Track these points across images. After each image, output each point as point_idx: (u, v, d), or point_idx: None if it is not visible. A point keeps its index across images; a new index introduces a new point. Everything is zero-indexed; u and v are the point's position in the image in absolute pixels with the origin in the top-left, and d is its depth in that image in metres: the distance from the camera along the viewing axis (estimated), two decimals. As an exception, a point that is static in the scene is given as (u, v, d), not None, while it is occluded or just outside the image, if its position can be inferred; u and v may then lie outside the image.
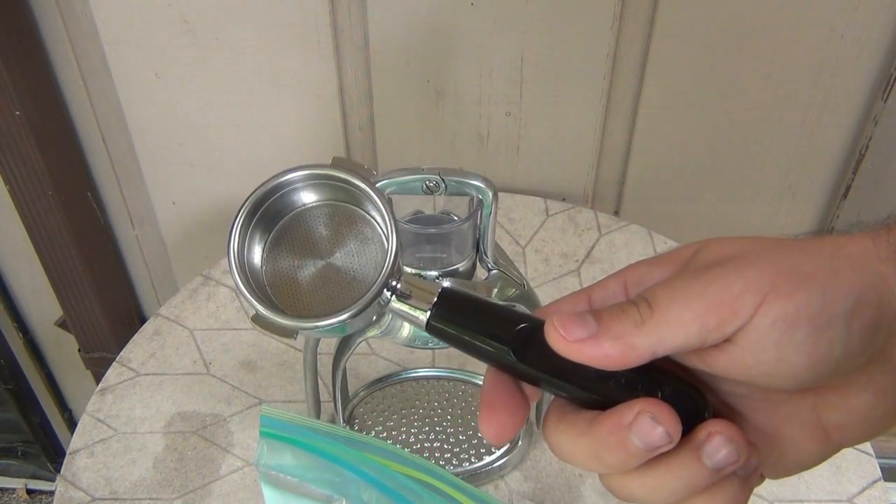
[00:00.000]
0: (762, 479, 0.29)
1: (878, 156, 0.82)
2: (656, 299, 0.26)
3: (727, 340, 0.25)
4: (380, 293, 0.31)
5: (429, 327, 0.31)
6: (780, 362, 0.25)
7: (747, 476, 0.26)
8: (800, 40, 0.76)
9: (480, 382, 0.65)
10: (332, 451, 0.38)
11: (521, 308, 0.50)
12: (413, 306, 0.31)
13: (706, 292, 0.25)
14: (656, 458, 0.25)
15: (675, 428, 0.25)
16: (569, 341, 0.26)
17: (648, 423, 0.25)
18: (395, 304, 0.32)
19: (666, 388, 0.26)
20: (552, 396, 0.29)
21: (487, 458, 0.60)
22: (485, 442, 0.61)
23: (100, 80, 0.85)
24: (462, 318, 0.30)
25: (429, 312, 0.31)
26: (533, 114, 0.83)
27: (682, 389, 0.27)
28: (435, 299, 0.31)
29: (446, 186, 0.46)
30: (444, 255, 0.49)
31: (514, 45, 0.77)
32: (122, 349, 0.70)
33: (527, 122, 0.83)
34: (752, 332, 0.25)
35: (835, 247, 0.26)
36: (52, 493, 1.33)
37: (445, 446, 0.61)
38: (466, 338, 0.30)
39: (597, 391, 0.27)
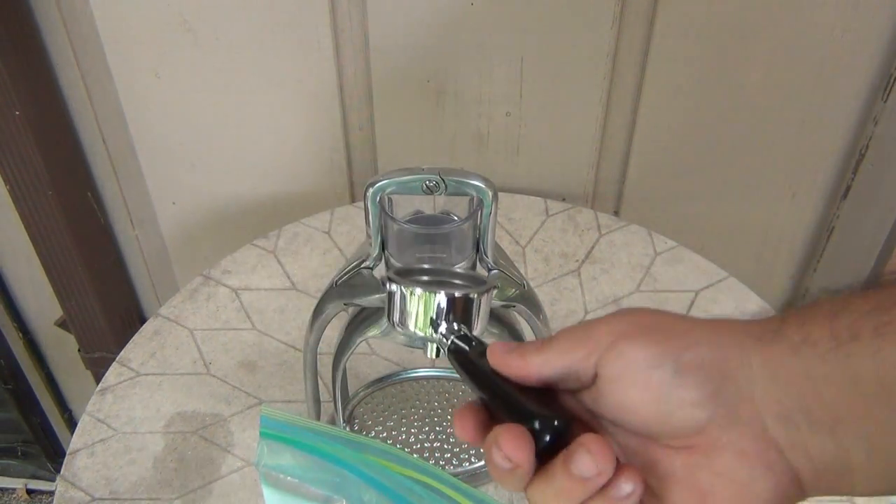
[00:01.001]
0: None
1: (878, 156, 0.82)
2: (554, 336, 0.33)
3: (597, 376, 0.31)
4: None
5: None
6: (628, 396, 0.30)
7: (620, 500, 0.29)
8: (800, 40, 0.76)
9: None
10: (333, 452, 0.38)
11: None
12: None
13: (581, 330, 0.32)
14: (542, 470, 0.30)
15: (515, 454, 0.30)
16: (494, 356, 0.35)
17: (496, 451, 0.30)
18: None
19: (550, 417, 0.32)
20: None
21: (487, 459, 0.60)
22: (485, 442, 0.61)
23: (100, 80, 0.85)
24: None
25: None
26: (533, 114, 0.83)
27: (559, 417, 0.32)
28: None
29: (446, 186, 0.46)
30: (444, 255, 0.49)
31: (514, 45, 0.77)
32: (122, 349, 0.70)
33: (527, 122, 0.83)
34: (606, 365, 0.31)
35: (715, 322, 0.32)
36: (52, 493, 1.33)
37: (445, 446, 0.61)
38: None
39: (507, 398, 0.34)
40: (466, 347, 0.39)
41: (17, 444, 1.26)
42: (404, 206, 0.50)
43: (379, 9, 0.76)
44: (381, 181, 0.46)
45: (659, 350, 0.30)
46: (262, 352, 0.70)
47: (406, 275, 0.44)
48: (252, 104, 0.84)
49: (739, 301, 0.73)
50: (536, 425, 0.31)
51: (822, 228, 0.91)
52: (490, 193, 0.47)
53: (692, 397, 0.29)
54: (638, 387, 0.30)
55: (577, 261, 0.78)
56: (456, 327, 0.41)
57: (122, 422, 0.64)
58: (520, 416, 0.32)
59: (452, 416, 0.36)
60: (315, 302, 0.53)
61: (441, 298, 0.40)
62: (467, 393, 0.65)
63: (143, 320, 1.03)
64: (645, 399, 0.30)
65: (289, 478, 0.37)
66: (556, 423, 0.31)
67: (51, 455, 1.28)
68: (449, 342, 0.40)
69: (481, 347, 0.38)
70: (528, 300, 0.51)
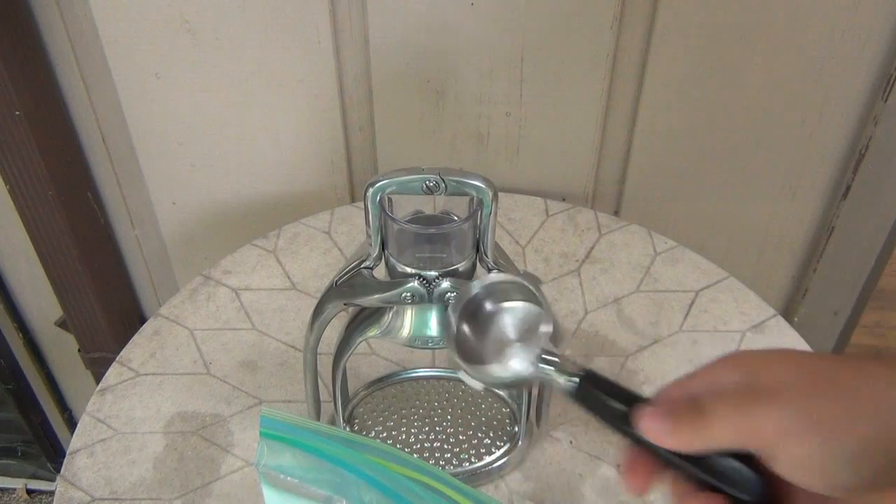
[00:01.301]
0: None
1: (878, 156, 0.82)
2: (714, 409, 0.33)
3: (766, 457, 0.32)
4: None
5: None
6: (801, 479, 0.32)
7: None
8: (800, 40, 0.76)
9: (480, 382, 0.65)
10: (333, 452, 0.38)
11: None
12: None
13: (745, 418, 0.32)
14: None
15: None
16: (650, 431, 0.35)
17: None
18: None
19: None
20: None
21: (487, 458, 0.60)
22: (485, 442, 0.61)
23: (100, 80, 0.85)
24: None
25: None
26: (533, 114, 0.83)
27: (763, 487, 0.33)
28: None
29: (446, 186, 0.46)
30: (444, 255, 0.49)
31: (514, 45, 0.77)
32: (122, 349, 0.70)
33: (527, 122, 0.83)
34: (775, 461, 0.32)
35: (874, 388, 0.32)
36: (52, 493, 1.33)
37: (445, 446, 0.61)
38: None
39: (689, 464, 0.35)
40: (585, 385, 0.37)
41: (17, 444, 1.26)
42: (404, 206, 0.50)
43: (379, 9, 0.76)
44: (381, 181, 0.46)
45: (831, 446, 0.31)
46: (262, 352, 0.70)
47: (470, 307, 0.41)
48: (252, 104, 0.84)
49: (739, 301, 0.73)
50: (746, 497, 0.32)
51: (822, 228, 0.91)
52: (490, 193, 0.47)
53: (866, 476, 0.31)
54: (811, 474, 0.32)
55: (577, 261, 0.78)
56: (568, 366, 0.38)
57: (122, 422, 0.64)
58: (725, 483, 0.33)
59: (621, 473, 0.38)
60: (315, 302, 0.53)
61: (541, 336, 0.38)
62: (468, 393, 0.65)
63: (143, 320, 1.03)
64: (819, 481, 0.32)
65: (289, 478, 0.37)
66: (764, 492, 0.33)
67: (51, 455, 1.28)
68: (572, 387, 0.37)
69: (608, 387, 0.36)
70: (528, 300, 0.51)
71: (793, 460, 0.32)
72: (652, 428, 0.34)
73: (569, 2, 0.74)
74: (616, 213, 0.92)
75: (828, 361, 0.34)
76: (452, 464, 0.60)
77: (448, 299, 0.48)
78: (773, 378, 0.34)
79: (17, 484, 1.36)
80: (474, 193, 0.47)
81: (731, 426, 0.33)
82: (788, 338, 0.70)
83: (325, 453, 0.38)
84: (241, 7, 0.76)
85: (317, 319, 0.53)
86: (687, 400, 0.35)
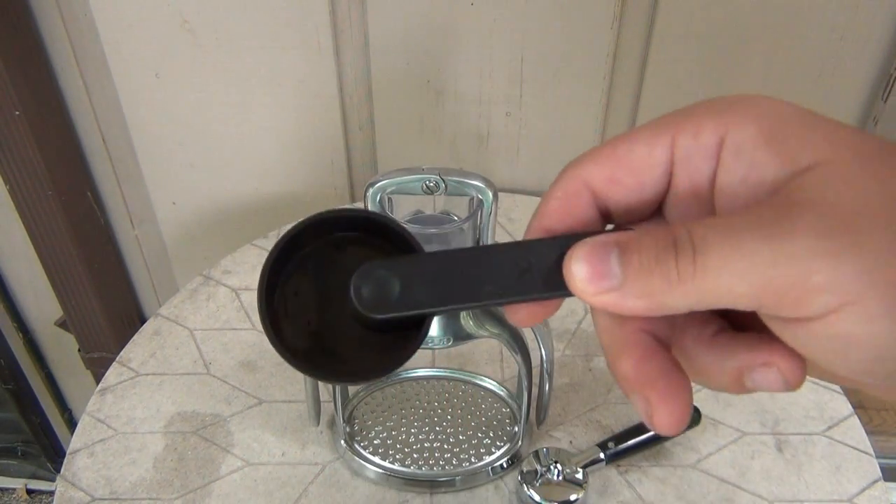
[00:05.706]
0: None
1: (878, 156, 0.82)
2: (707, 250, 0.20)
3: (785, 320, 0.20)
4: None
5: None
6: (838, 366, 0.20)
7: None
8: (800, 40, 0.76)
9: (480, 382, 0.65)
10: None
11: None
12: None
13: (775, 265, 0.19)
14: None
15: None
16: (590, 294, 0.22)
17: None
18: None
19: None
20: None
21: (487, 458, 0.60)
22: (485, 442, 0.61)
23: (100, 80, 0.85)
24: None
25: None
26: (533, 114, 0.83)
27: None
28: None
29: (446, 186, 0.46)
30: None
31: (514, 45, 0.77)
32: (122, 349, 0.70)
33: (527, 122, 0.83)
34: (812, 332, 0.19)
35: None
36: (52, 493, 1.33)
37: (445, 446, 0.61)
38: None
39: None
40: None
41: (17, 444, 1.26)
42: (404, 206, 0.50)
43: (379, 9, 0.76)
44: (381, 181, 0.46)
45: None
46: (262, 352, 0.70)
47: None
48: (252, 104, 0.84)
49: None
50: None
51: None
52: (490, 193, 0.47)
53: None
54: (855, 367, 0.21)
55: (577, 261, 0.78)
56: None
57: (122, 422, 0.64)
58: None
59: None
60: (315, 302, 0.53)
61: None
62: (468, 393, 0.65)
63: (143, 320, 1.03)
64: (864, 373, 0.21)
65: None
66: None
67: (51, 455, 1.28)
68: None
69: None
70: (528, 300, 0.51)
71: (840, 340, 0.19)
72: (600, 287, 0.21)
73: (569, 2, 0.74)
74: (616, 213, 0.92)
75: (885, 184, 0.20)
76: (452, 464, 0.60)
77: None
78: (826, 195, 0.19)
79: (17, 484, 1.36)
80: (474, 193, 0.47)
81: (749, 280, 0.19)
82: (788, 338, 0.70)
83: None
84: (241, 7, 0.76)
85: (317, 319, 0.53)
86: (658, 229, 0.21)
